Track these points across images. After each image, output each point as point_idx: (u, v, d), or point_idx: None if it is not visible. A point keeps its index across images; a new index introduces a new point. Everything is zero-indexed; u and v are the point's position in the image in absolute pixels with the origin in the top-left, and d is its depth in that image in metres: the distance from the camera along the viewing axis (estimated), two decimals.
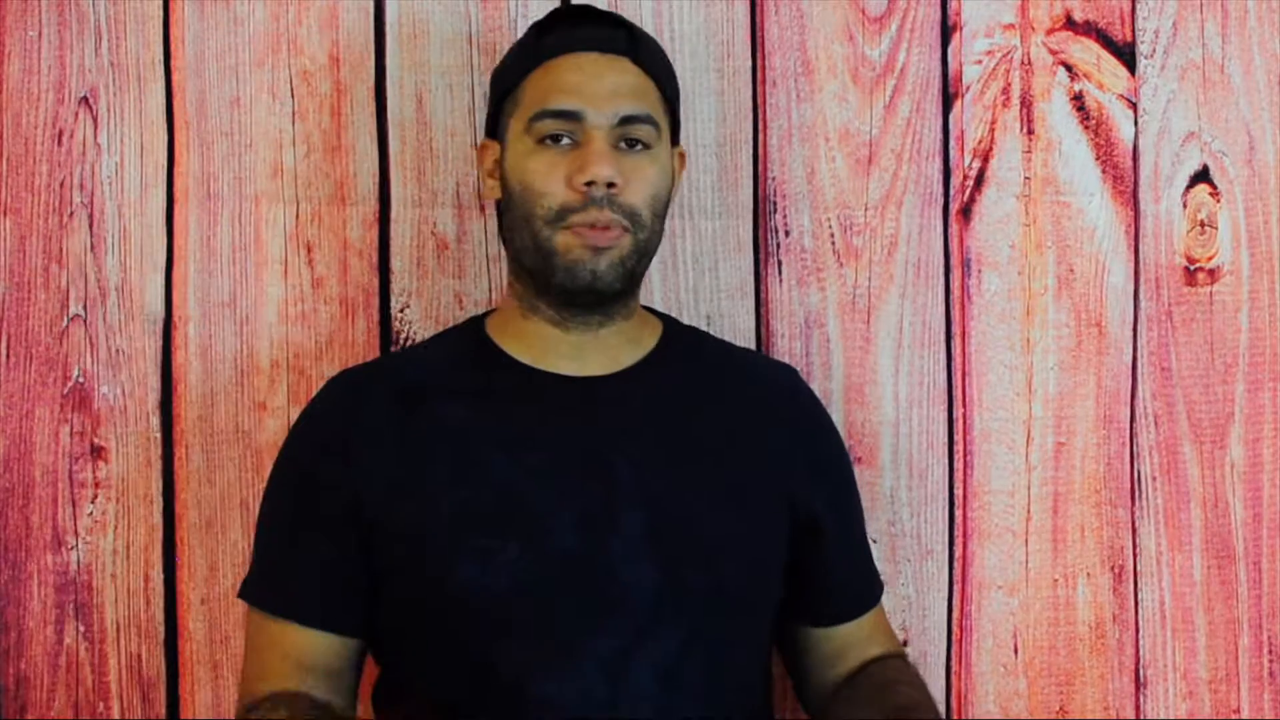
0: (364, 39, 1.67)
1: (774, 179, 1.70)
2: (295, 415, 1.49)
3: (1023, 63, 1.73)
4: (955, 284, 1.72)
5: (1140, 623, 1.74)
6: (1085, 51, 1.73)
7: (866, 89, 1.71)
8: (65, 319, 1.64)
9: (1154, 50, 1.74)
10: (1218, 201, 1.75)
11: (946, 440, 1.72)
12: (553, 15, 1.46)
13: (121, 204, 1.65)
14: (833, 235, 1.71)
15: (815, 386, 1.63)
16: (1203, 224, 1.75)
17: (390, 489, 1.38)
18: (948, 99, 1.72)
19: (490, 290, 1.67)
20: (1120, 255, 1.74)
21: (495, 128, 1.46)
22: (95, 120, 1.65)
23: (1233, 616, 1.75)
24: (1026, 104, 1.73)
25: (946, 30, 1.72)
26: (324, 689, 1.39)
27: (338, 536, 1.38)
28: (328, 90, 1.67)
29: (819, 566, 1.49)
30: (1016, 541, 1.73)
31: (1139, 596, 1.74)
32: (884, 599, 1.58)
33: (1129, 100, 1.74)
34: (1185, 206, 1.74)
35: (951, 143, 1.72)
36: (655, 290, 1.69)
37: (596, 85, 1.39)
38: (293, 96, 1.66)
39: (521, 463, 1.38)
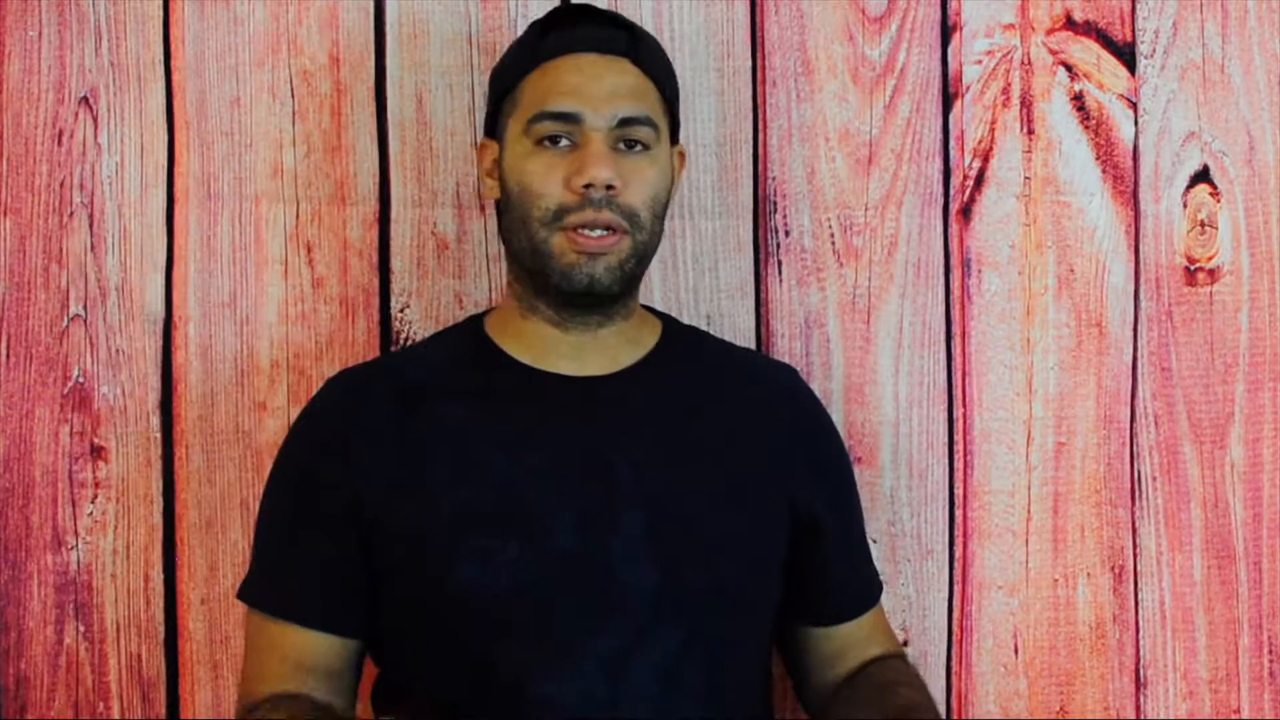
0: (364, 39, 1.67)
1: (774, 179, 1.70)
2: (295, 415, 1.49)
3: (1023, 63, 1.73)
4: (955, 284, 1.72)
5: (1140, 623, 1.74)
6: (1085, 51, 1.73)
7: (866, 89, 1.71)
8: (65, 319, 1.65)
9: (1154, 50, 1.74)
10: (1218, 201, 1.75)
11: (946, 440, 1.72)
12: (553, 14, 1.46)
13: (122, 204, 1.65)
14: (833, 235, 1.71)
15: (815, 386, 1.63)
16: (1203, 224, 1.75)
17: (390, 489, 1.38)
18: (948, 99, 1.72)
19: (490, 290, 1.67)
20: (1120, 255, 1.73)
21: (494, 127, 1.46)
22: (95, 120, 1.65)
23: (1233, 616, 1.75)
24: (1026, 104, 1.73)
25: (946, 30, 1.72)
26: (324, 690, 1.39)
27: (338, 536, 1.38)
28: (328, 90, 1.67)
29: (819, 566, 1.49)
30: (1017, 541, 1.73)
31: (1139, 596, 1.74)
32: (884, 599, 1.58)
33: (1129, 100, 1.74)
34: (1185, 206, 1.74)
35: (951, 143, 1.72)
36: (655, 290, 1.69)
37: (595, 87, 1.39)
38: (293, 96, 1.66)
39: (521, 463, 1.38)
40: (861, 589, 1.55)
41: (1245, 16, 1.74)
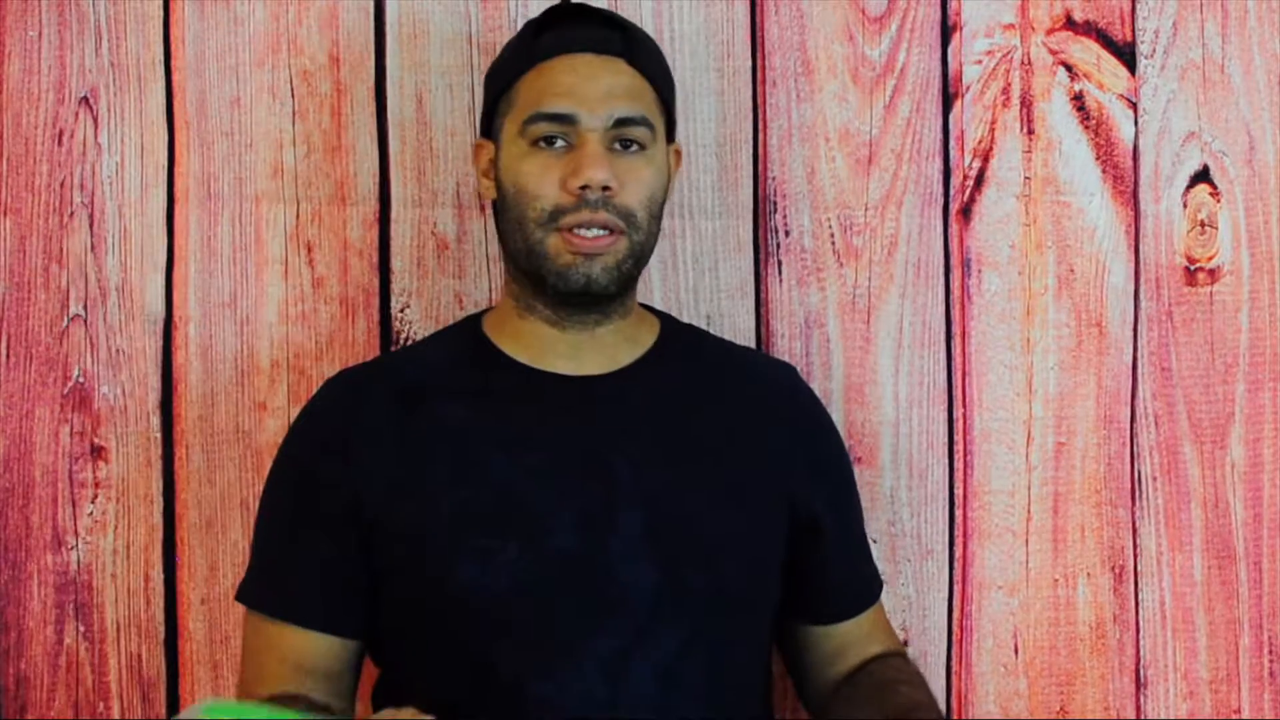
0: (364, 39, 1.67)
1: (774, 179, 1.70)
2: (295, 415, 1.49)
3: (1023, 63, 1.73)
4: (955, 284, 1.72)
5: (1141, 623, 1.74)
6: (1085, 51, 1.73)
7: (866, 89, 1.71)
8: (65, 319, 1.65)
9: (1154, 50, 1.74)
10: (1218, 201, 1.75)
11: (946, 440, 1.72)
12: (548, 14, 1.46)
13: (122, 204, 1.65)
14: (833, 235, 1.71)
15: (815, 386, 1.63)
16: (1203, 224, 1.75)
17: (390, 488, 1.38)
18: (948, 99, 1.72)
19: (490, 290, 1.67)
20: (1120, 255, 1.73)
21: (490, 128, 1.46)
22: (95, 120, 1.65)
23: (1233, 617, 1.75)
24: (1026, 104, 1.73)
25: (946, 30, 1.72)
26: (323, 692, 1.39)
27: (337, 535, 1.38)
28: (328, 90, 1.67)
29: (818, 565, 1.49)
30: (1017, 541, 1.72)
31: (1139, 597, 1.74)
32: (884, 599, 1.58)
33: (1129, 100, 1.74)
34: (1185, 206, 1.74)
35: (951, 143, 1.72)
36: (655, 290, 1.69)
37: (591, 87, 1.38)
38: (293, 96, 1.66)
39: (520, 463, 1.38)
40: (861, 588, 1.55)
41: (1245, 16, 1.74)
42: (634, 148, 1.40)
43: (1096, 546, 1.73)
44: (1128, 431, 1.74)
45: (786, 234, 1.70)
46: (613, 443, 1.40)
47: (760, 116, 1.70)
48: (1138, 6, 1.73)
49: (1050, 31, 1.73)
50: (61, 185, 1.64)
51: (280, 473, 1.45)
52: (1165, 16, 1.74)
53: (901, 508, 1.71)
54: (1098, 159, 1.73)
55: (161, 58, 1.65)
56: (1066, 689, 1.73)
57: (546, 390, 1.42)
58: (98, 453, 1.65)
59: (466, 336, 1.48)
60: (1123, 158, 1.74)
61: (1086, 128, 1.73)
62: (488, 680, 1.34)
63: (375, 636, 1.42)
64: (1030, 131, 1.73)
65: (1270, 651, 1.75)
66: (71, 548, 1.65)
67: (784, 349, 1.70)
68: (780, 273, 1.70)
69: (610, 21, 1.45)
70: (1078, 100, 1.73)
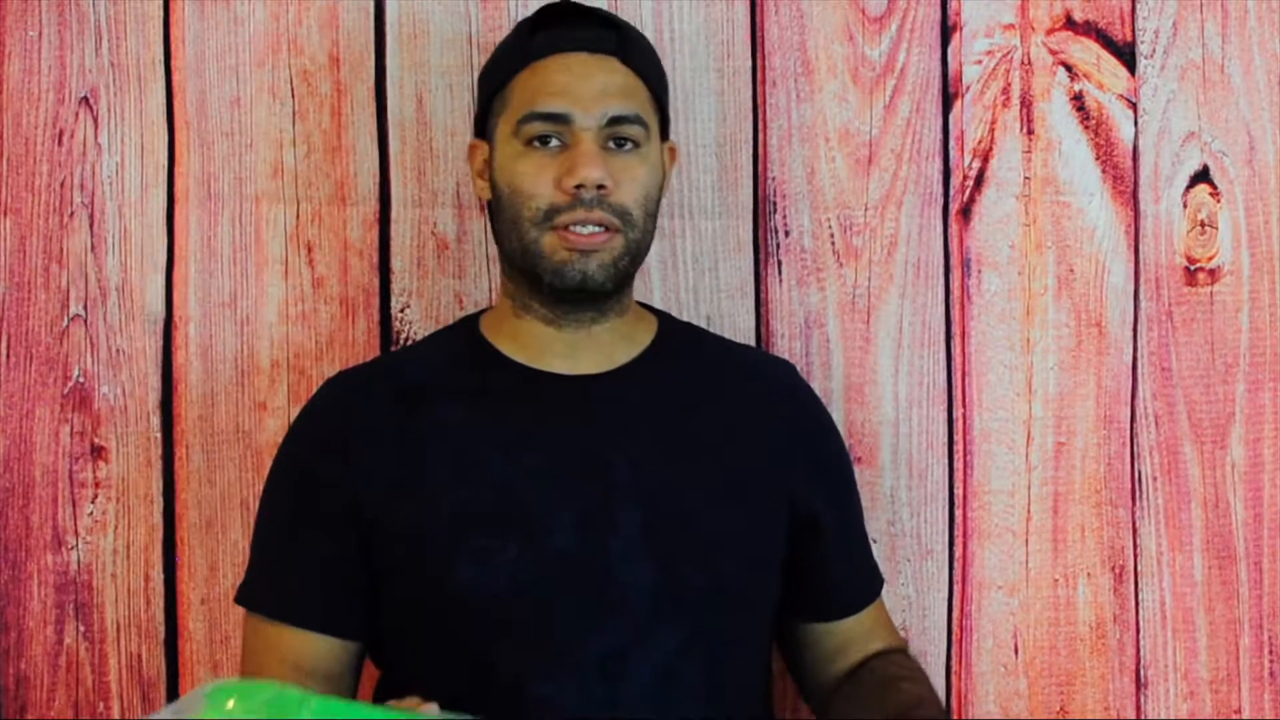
0: (364, 39, 1.67)
1: (774, 179, 1.70)
2: (295, 415, 1.49)
3: (1023, 63, 1.73)
4: (955, 284, 1.72)
5: (1141, 623, 1.74)
6: (1085, 51, 1.73)
7: (866, 89, 1.71)
8: (65, 319, 1.65)
9: (1154, 50, 1.74)
10: (1218, 201, 1.75)
11: (946, 440, 1.72)
12: (540, 14, 1.46)
13: (122, 204, 1.65)
14: (833, 235, 1.71)
15: (815, 386, 1.62)
16: (1203, 224, 1.75)
17: (390, 488, 1.38)
18: (948, 99, 1.72)
19: (490, 290, 1.67)
20: (1120, 255, 1.73)
21: (484, 128, 1.46)
22: (95, 120, 1.65)
23: (1234, 617, 1.75)
24: (1026, 104, 1.73)
25: (946, 30, 1.72)
26: (323, 693, 1.39)
27: (337, 535, 1.38)
28: (328, 90, 1.67)
29: (819, 563, 1.49)
30: (1016, 541, 1.72)
31: (1140, 597, 1.74)
32: (884, 599, 1.58)
33: (1129, 100, 1.74)
34: (1185, 206, 1.74)
35: (951, 143, 1.72)
36: (655, 290, 1.69)
37: (584, 86, 1.38)
38: (293, 96, 1.66)
39: (519, 463, 1.38)
40: (862, 584, 1.55)
41: (1245, 16, 1.74)
42: (628, 146, 1.40)
43: (1096, 546, 1.73)
44: (1128, 431, 1.74)
45: (786, 234, 1.70)
46: (611, 442, 1.40)
47: (760, 116, 1.70)
48: (1138, 6, 1.73)
49: (1050, 31, 1.73)
50: (61, 185, 1.64)
51: (280, 473, 1.45)
52: (1165, 16, 1.74)
53: (901, 508, 1.71)
54: (1097, 159, 1.73)
55: (161, 58, 1.65)
56: (1066, 689, 1.73)
57: (544, 390, 1.42)
58: (98, 453, 1.65)
59: (464, 337, 1.48)
60: (1122, 158, 1.74)
61: (1086, 128, 1.73)
62: (487, 680, 1.34)
63: (375, 637, 1.42)
64: (1030, 132, 1.73)
65: (1270, 651, 1.75)
66: (71, 548, 1.65)
67: (784, 349, 1.70)
68: (780, 273, 1.70)
69: (603, 20, 1.45)
70: (1077, 100, 1.73)
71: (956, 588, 1.72)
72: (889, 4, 1.71)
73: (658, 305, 1.65)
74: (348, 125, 1.67)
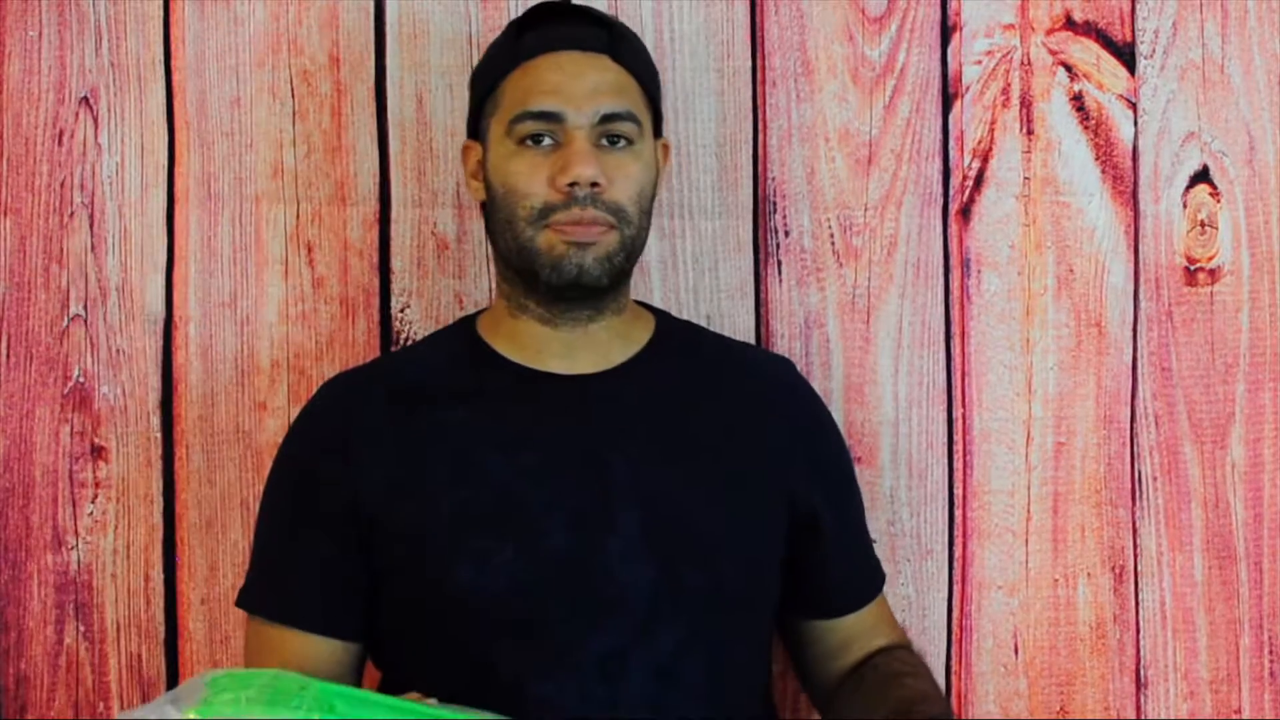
0: (364, 39, 1.67)
1: (774, 179, 1.70)
2: (295, 415, 1.49)
3: (1022, 63, 1.73)
4: (955, 284, 1.72)
5: (1141, 623, 1.74)
6: (1085, 51, 1.73)
7: (866, 89, 1.71)
8: (65, 319, 1.65)
9: (1154, 50, 1.74)
10: (1218, 201, 1.75)
11: (946, 440, 1.72)
12: (531, 13, 1.46)
13: (122, 204, 1.65)
14: (832, 235, 1.71)
15: (815, 386, 1.62)
16: (1203, 224, 1.75)
17: (390, 489, 1.38)
18: (947, 99, 1.72)
19: (490, 290, 1.67)
20: (1120, 255, 1.73)
21: (476, 129, 1.46)
22: (95, 120, 1.65)
23: (1234, 617, 1.75)
24: (1026, 104, 1.73)
25: (946, 30, 1.72)
26: None
27: (338, 535, 1.38)
28: (328, 90, 1.67)
29: (819, 561, 1.48)
30: (1016, 541, 1.72)
31: (1140, 597, 1.74)
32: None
33: (1129, 100, 1.74)
34: (1185, 206, 1.74)
35: (951, 143, 1.72)
36: (655, 290, 1.69)
37: (576, 85, 1.38)
38: (293, 96, 1.66)
39: (517, 463, 1.38)
40: (864, 582, 1.54)
41: (1245, 16, 1.74)
42: (621, 143, 1.40)
43: (1096, 546, 1.73)
44: (1128, 431, 1.74)
45: (786, 234, 1.70)
46: (609, 441, 1.40)
47: (760, 116, 1.70)
48: (1137, 6, 1.73)
49: (1050, 32, 1.73)
50: (61, 185, 1.65)
51: (279, 473, 1.45)
52: (1165, 16, 1.74)
53: (901, 507, 1.71)
54: (1097, 159, 1.73)
55: (161, 58, 1.66)
56: (1066, 689, 1.73)
57: (541, 390, 1.42)
58: (98, 453, 1.65)
59: (461, 338, 1.48)
60: (1122, 158, 1.74)
61: (1086, 128, 1.73)
62: (487, 681, 1.34)
63: (375, 638, 1.42)
64: (1030, 132, 1.73)
65: (1270, 651, 1.75)
66: (71, 548, 1.65)
67: (784, 349, 1.70)
68: (780, 273, 1.70)
69: (593, 18, 1.45)
70: (1077, 100, 1.73)
71: (956, 588, 1.72)
72: (889, 4, 1.71)
73: (658, 305, 1.65)
74: (348, 125, 1.67)
